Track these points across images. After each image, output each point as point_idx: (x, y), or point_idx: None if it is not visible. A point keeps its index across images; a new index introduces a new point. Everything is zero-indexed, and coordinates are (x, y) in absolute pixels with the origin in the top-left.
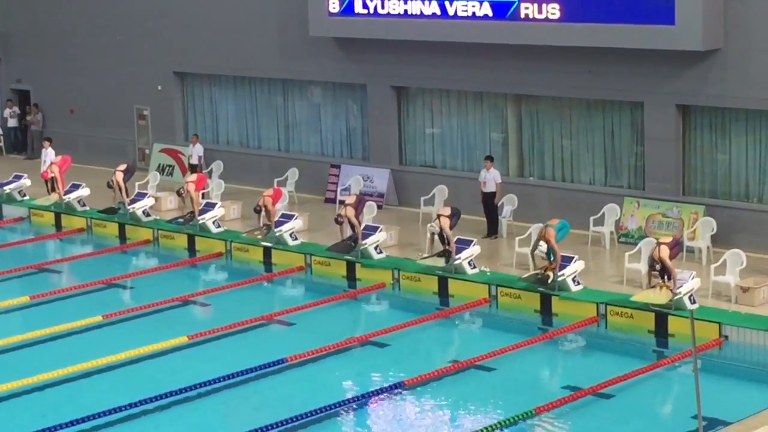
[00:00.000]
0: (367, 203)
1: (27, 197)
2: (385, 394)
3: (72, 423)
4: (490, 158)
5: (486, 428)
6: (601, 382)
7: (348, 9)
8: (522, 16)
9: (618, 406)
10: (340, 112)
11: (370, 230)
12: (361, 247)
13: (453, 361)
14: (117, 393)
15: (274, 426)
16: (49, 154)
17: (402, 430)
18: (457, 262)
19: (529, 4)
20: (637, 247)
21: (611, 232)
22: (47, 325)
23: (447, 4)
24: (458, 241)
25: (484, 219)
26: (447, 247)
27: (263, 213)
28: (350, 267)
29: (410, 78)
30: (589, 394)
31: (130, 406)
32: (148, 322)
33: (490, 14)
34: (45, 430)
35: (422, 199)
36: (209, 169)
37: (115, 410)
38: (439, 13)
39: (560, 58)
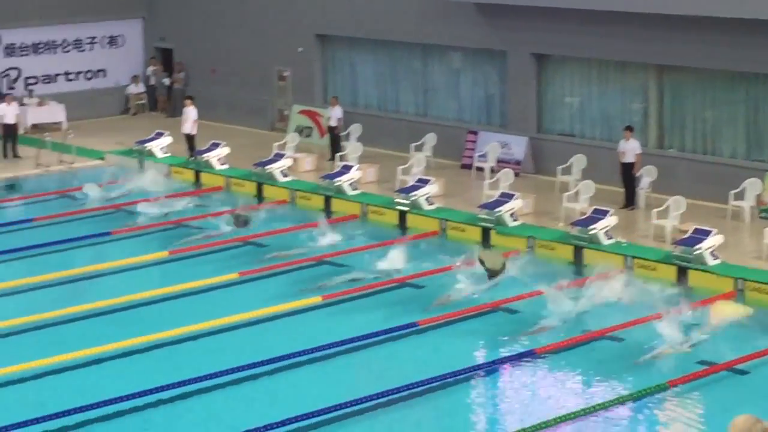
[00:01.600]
0: (504, 170)
1: (168, 154)
2: (516, 361)
3: (212, 375)
4: (629, 128)
5: (619, 398)
6: (736, 357)
7: None
8: None
9: (754, 383)
10: (478, 78)
11: (506, 198)
12: (497, 214)
13: (585, 330)
14: (255, 349)
15: (404, 388)
16: (190, 112)
17: (532, 397)
18: (592, 232)
19: None
20: None
21: (751, 207)
22: (183, 281)
23: None
24: (595, 211)
25: (622, 190)
26: None
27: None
28: (485, 234)
29: (551, 45)
30: (723, 370)
31: (268, 362)
32: (282, 282)
33: None
34: (191, 380)
35: (559, 168)
36: (347, 131)
37: (254, 365)
38: None
39: (704, 28)
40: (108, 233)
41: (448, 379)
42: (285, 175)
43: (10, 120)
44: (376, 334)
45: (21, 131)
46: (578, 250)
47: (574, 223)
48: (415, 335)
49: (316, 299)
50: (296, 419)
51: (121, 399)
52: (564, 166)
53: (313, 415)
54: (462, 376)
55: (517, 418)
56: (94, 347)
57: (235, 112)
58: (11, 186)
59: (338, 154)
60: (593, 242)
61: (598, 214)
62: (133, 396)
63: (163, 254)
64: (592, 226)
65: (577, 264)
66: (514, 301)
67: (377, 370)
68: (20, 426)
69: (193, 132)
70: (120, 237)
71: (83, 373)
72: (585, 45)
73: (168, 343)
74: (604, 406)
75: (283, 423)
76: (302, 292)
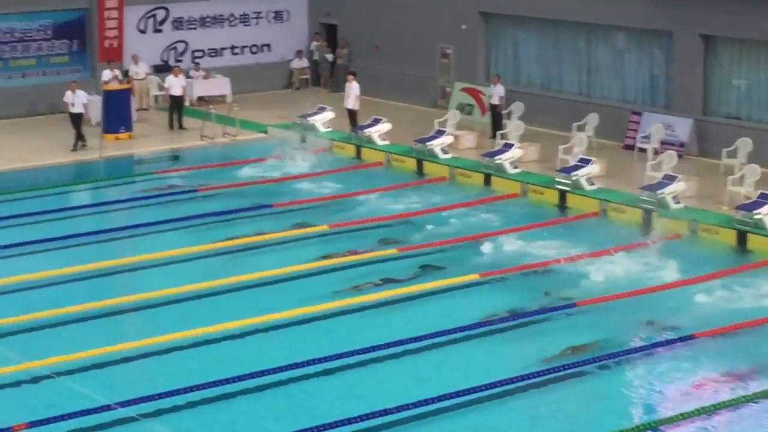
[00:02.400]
0: (667, 152)
1: (330, 129)
2: (675, 344)
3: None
4: None
5: None
6: None
7: None
8: None
9: None
10: (643, 58)
11: (669, 180)
12: (659, 197)
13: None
14: (407, 325)
15: (561, 369)
16: (353, 87)
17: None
18: (758, 216)
19: None
20: None
21: None
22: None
23: None
24: (761, 195)
25: None
26: None
27: None
28: (647, 216)
29: (720, 27)
30: None
31: (423, 337)
32: (437, 259)
33: None
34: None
35: (724, 150)
36: (509, 110)
37: (412, 339)
38: None
39: None
40: (269, 205)
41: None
42: (445, 152)
43: (176, 92)
44: (530, 313)
45: (187, 103)
46: (742, 235)
47: (739, 208)
48: (574, 316)
49: (473, 276)
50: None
51: (266, 372)
52: (729, 149)
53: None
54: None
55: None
56: (254, 317)
57: (397, 89)
58: (176, 157)
59: (499, 133)
60: (758, 227)
61: (764, 199)
62: (279, 369)
63: (323, 227)
64: (757, 211)
65: (741, 249)
66: (672, 287)
67: (531, 347)
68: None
69: (356, 107)
70: (281, 210)
71: (242, 343)
72: (755, 26)
73: (324, 317)
74: None
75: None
76: (460, 270)
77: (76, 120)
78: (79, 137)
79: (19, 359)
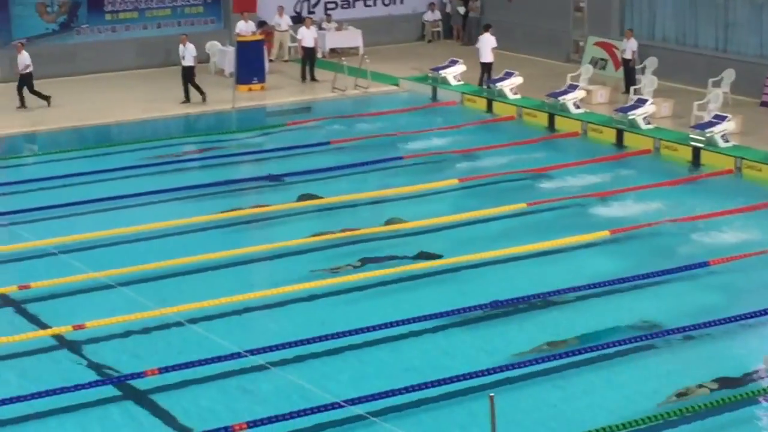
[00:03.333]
0: None
1: (462, 82)
2: None
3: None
4: None
5: None
6: None
7: None
8: None
9: None
10: None
11: None
12: None
13: None
14: (522, 282)
15: (690, 328)
16: (489, 40)
17: None
18: None
19: None
20: None
21: None
22: (473, 209)
23: None
24: None
25: None
26: None
27: None
28: None
29: None
30: None
31: (547, 294)
32: (565, 215)
33: None
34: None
35: None
36: (642, 65)
37: (529, 297)
38: None
39: None
40: (400, 158)
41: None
42: (577, 107)
43: (308, 43)
44: (662, 272)
45: (319, 55)
46: None
47: None
48: (706, 277)
49: (603, 233)
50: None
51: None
52: None
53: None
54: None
55: None
56: (387, 269)
57: (529, 42)
58: (308, 108)
59: (632, 88)
60: None
61: None
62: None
63: (453, 182)
64: None
65: None
66: None
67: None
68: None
69: (491, 60)
70: (410, 162)
71: (376, 293)
72: None
73: (476, 265)
74: None
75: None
76: (590, 226)
77: (187, 74)
78: (197, 90)
79: (151, 306)
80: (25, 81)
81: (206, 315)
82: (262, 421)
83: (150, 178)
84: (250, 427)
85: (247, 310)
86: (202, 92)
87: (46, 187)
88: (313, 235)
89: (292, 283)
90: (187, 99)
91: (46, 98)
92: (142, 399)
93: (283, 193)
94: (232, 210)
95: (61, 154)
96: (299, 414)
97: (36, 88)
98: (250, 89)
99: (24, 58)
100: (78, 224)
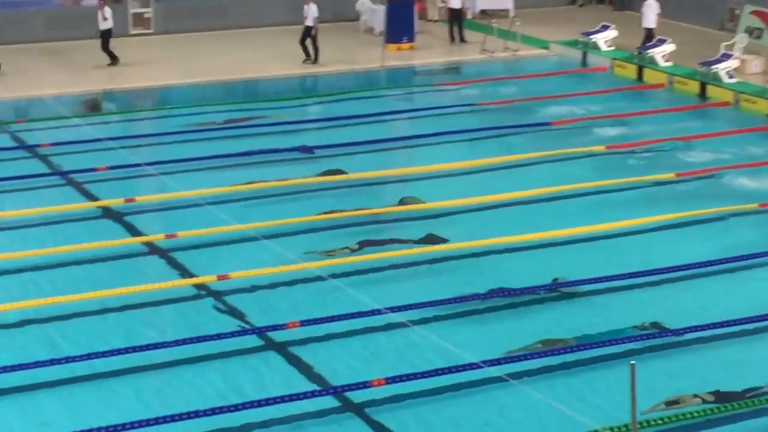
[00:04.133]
0: None
1: (612, 48)
2: None
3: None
4: None
5: None
6: None
7: None
8: None
9: None
10: None
11: None
12: None
13: None
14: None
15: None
16: (652, 6)
17: None
18: None
19: None
20: None
21: None
22: (615, 177)
23: None
24: None
25: None
26: None
27: None
28: None
29: None
30: None
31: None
32: (712, 186)
33: None
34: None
35: None
36: None
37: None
38: None
39: None
40: (548, 123)
41: None
42: (731, 77)
43: (455, 5)
44: None
45: (469, 16)
46: None
47: None
48: None
49: (752, 206)
50: None
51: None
52: None
53: None
54: None
55: None
56: (514, 236)
57: (683, 9)
58: (456, 69)
59: None
60: None
61: None
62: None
63: (600, 148)
64: None
65: None
66: None
67: None
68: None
69: (653, 26)
70: (558, 128)
71: (521, 256)
72: None
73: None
74: None
75: None
76: (736, 199)
77: (307, 33)
78: (310, 52)
79: (294, 259)
80: (104, 36)
81: (348, 270)
82: (401, 378)
83: (296, 135)
84: (388, 383)
85: (391, 267)
86: (309, 53)
87: (195, 139)
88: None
89: (437, 244)
90: (308, 57)
91: (114, 59)
92: (282, 350)
93: (425, 154)
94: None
95: (214, 106)
96: (437, 373)
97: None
98: (398, 48)
99: (106, 13)
100: (226, 176)
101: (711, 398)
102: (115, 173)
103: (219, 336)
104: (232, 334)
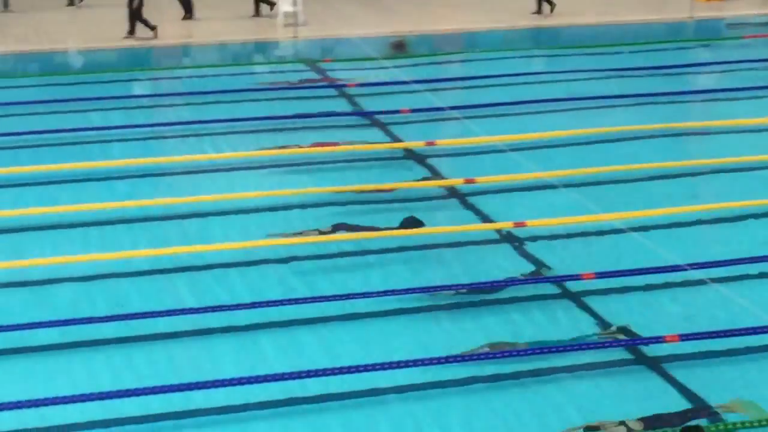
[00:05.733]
0: None
1: None
2: None
3: None
4: None
5: None
6: None
7: None
8: None
9: None
10: None
11: None
12: None
13: None
14: None
15: None
16: None
17: None
18: None
19: None
20: None
21: None
22: None
23: None
24: None
25: None
26: None
27: None
28: None
29: None
30: None
31: None
32: None
33: None
34: None
35: None
36: None
37: None
38: None
39: None
40: None
41: None
42: None
43: None
44: None
45: None
46: None
47: None
48: None
49: None
50: None
51: None
52: None
53: None
54: None
55: None
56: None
57: None
58: None
59: None
60: None
61: None
62: None
63: None
64: None
65: None
66: None
67: None
68: None
69: None
70: None
71: None
72: None
73: None
74: None
75: None
76: None
77: None
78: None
79: (594, 209)
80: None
81: (648, 224)
82: (694, 336)
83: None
84: (682, 340)
85: (699, 222)
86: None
87: (498, 84)
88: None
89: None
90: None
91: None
92: (576, 300)
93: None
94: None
95: (516, 51)
96: (732, 333)
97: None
98: (708, 0)
99: None
100: (530, 123)
101: (639, 426)
102: (418, 116)
103: (512, 281)
104: (521, 281)
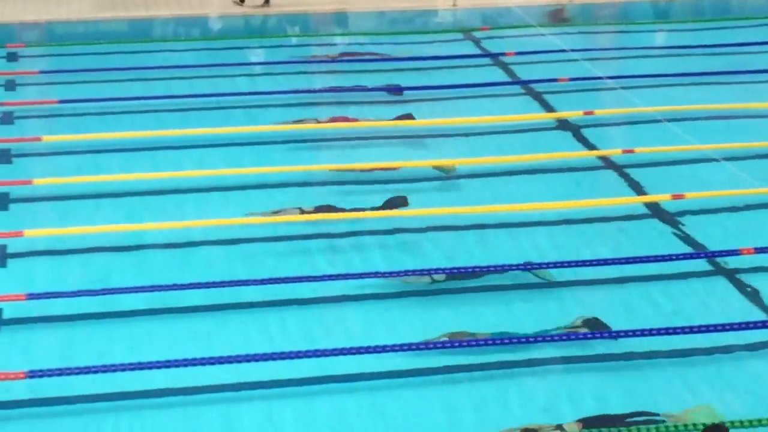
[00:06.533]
0: None
1: None
2: None
3: None
4: None
5: None
6: None
7: None
8: None
9: None
10: None
11: None
12: None
13: None
14: None
15: None
16: None
17: None
18: None
19: None
20: None
21: None
22: None
23: None
24: None
25: None
26: None
27: None
28: None
29: None
30: None
31: None
32: None
33: None
34: None
35: None
36: None
37: None
38: None
39: None
40: None
41: None
42: None
43: None
44: None
45: None
46: None
47: None
48: None
49: None
50: None
51: None
52: None
53: None
54: None
55: None
56: None
57: None
58: None
59: None
60: None
61: None
62: None
63: None
64: None
65: None
66: None
67: None
68: None
69: None
70: None
71: None
72: None
73: None
74: None
75: None
76: None
77: None
78: None
79: (757, 183)
80: None
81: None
82: None
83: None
84: None
85: None
86: None
87: (652, 55)
88: None
89: None
90: None
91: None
92: (732, 277)
93: None
94: None
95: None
96: None
97: None
98: None
99: None
100: (682, 94)
101: (576, 428)
102: (575, 85)
103: (668, 257)
104: (680, 257)
